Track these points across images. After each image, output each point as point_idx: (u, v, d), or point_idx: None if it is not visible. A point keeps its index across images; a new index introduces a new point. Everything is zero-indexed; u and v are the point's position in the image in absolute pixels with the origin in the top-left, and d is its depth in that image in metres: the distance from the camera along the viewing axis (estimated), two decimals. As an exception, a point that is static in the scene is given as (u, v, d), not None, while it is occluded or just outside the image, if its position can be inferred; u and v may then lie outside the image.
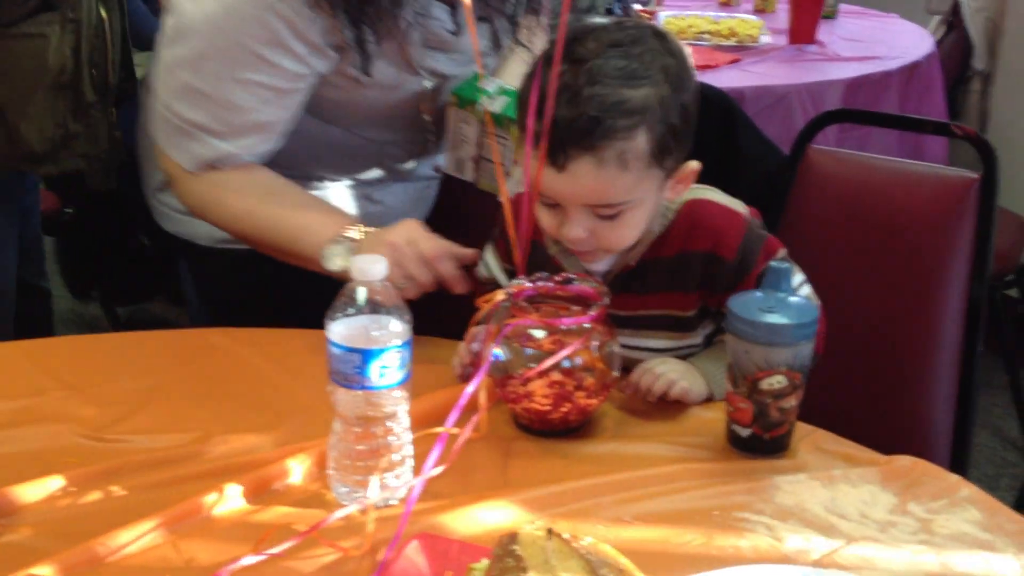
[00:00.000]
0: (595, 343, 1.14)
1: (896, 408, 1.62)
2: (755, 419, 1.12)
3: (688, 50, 1.22)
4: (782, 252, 1.25)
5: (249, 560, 0.96)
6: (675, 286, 1.25)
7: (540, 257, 1.27)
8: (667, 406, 1.21)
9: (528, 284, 1.17)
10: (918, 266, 1.61)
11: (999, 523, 1.02)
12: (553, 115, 1.11)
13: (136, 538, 1.00)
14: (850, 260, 1.65)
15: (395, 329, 1.02)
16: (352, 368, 1.01)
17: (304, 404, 1.22)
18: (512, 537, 0.88)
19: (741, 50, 2.77)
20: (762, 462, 1.12)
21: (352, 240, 1.35)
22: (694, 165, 1.23)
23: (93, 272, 3.04)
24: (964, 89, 3.42)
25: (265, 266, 1.47)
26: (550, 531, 0.86)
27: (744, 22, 2.91)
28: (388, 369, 1.02)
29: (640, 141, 1.13)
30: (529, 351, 1.14)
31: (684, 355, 1.26)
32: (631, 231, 1.20)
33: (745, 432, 1.13)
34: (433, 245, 1.31)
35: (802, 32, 2.86)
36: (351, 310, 1.02)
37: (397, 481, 1.06)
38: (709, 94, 2.07)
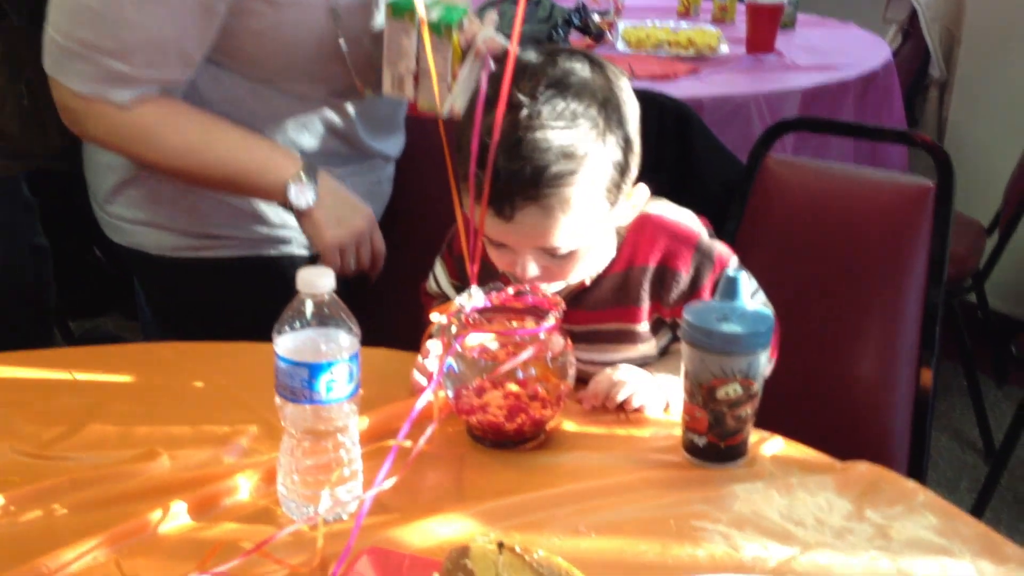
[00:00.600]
0: (550, 354, 1.13)
1: (854, 413, 1.62)
2: (711, 428, 1.10)
3: (625, 79, 1.20)
4: (734, 261, 1.25)
5: (194, 579, 0.93)
6: (627, 300, 1.24)
7: (492, 272, 1.26)
8: (623, 415, 1.20)
9: (482, 296, 1.15)
10: (875, 272, 1.61)
11: (955, 528, 1.01)
12: (495, 166, 1.08)
13: (78, 557, 0.98)
14: (807, 268, 1.65)
15: (343, 342, 1.01)
16: (299, 382, 0.99)
17: (254, 418, 1.20)
18: (463, 551, 0.86)
19: (700, 60, 2.78)
20: (719, 471, 1.11)
21: (314, 181, 1.39)
22: (643, 190, 1.21)
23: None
24: (922, 97, 3.45)
25: (216, 276, 1.45)
26: (501, 544, 0.85)
27: (703, 32, 2.91)
28: (336, 383, 1.00)
29: (585, 184, 1.12)
30: (483, 362, 1.13)
31: (639, 365, 1.25)
32: (586, 264, 1.20)
33: (701, 441, 1.12)
34: (381, 244, 1.33)
35: (760, 42, 2.86)
36: (298, 323, 1.00)
37: (347, 496, 1.04)
38: (667, 104, 2.07)
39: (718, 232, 1.34)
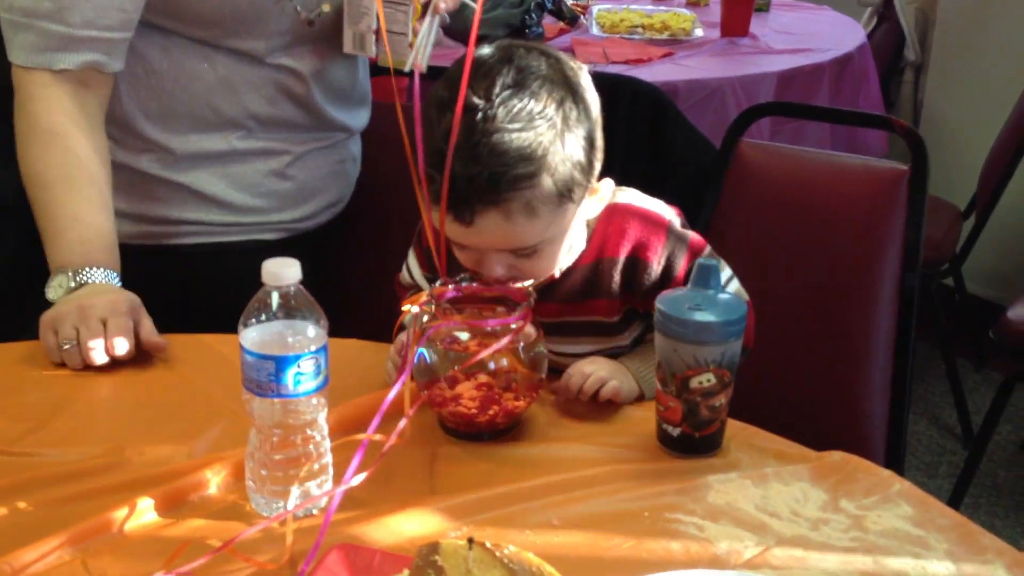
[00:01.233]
0: (521, 344, 1.12)
1: (831, 400, 1.61)
2: (685, 418, 1.09)
3: (585, 74, 1.16)
4: (707, 250, 1.23)
5: (159, 578, 0.92)
6: (598, 292, 1.23)
7: (460, 263, 1.24)
8: (597, 407, 1.19)
9: (451, 286, 1.14)
10: (850, 258, 1.60)
11: (931, 518, 1.00)
12: (453, 171, 1.06)
13: (42, 556, 0.95)
14: (782, 253, 1.64)
15: (310, 334, 0.99)
16: (266, 376, 0.97)
17: (222, 412, 1.18)
18: (433, 547, 0.84)
19: (674, 44, 2.76)
20: (693, 462, 1.10)
21: (74, 284, 1.32)
22: (608, 184, 1.19)
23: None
24: (897, 80, 3.45)
25: (180, 264, 1.43)
26: (471, 540, 0.83)
27: (677, 15, 2.90)
28: (304, 376, 0.98)
29: (546, 186, 1.08)
30: (454, 354, 1.11)
31: (612, 355, 1.24)
32: (552, 261, 1.17)
33: (675, 431, 1.11)
34: (119, 326, 1.27)
35: (734, 25, 2.85)
36: (264, 315, 0.98)
37: (317, 490, 1.03)
38: (640, 89, 2.07)
39: (692, 218, 1.33)
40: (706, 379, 1.08)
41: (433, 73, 1.46)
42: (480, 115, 1.07)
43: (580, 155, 1.11)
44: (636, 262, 1.20)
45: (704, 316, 1.06)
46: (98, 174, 1.40)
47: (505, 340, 1.09)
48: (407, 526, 0.99)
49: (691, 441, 1.10)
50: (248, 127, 1.55)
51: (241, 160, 1.56)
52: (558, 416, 1.18)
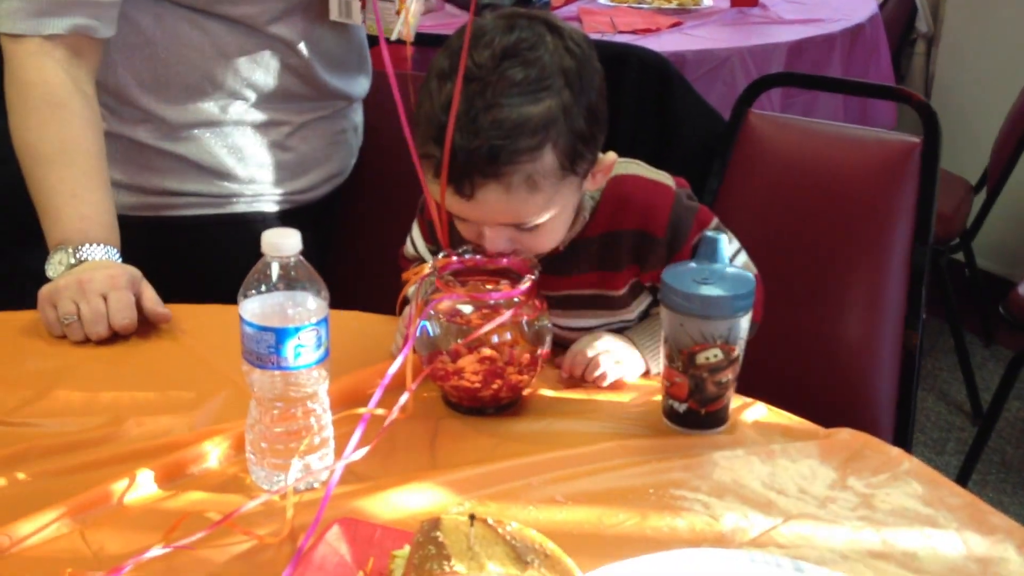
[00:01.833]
0: (525, 317, 1.10)
1: (839, 375, 1.60)
2: (691, 394, 1.08)
3: (588, 45, 1.13)
4: (714, 222, 1.21)
5: (158, 551, 0.90)
6: (603, 265, 1.21)
7: (461, 239, 1.23)
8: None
9: (454, 258, 1.12)
10: (860, 231, 1.58)
11: (941, 497, 0.99)
12: (453, 143, 1.03)
13: (41, 528, 0.94)
14: (791, 226, 1.62)
15: (311, 306, 0.97)
16: (266, 348, 0.96)
17: (224, 383, 1.17)
18: (434, 523, 0.83)
19: (682, 13, 2.73)
20: (699, 438, 1.09)
21: (74, 261, 1.31)
22: (611, 157, 1.16)
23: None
24: (908, 52, 3.42)
25: (182, 235, 1.41)
26: (473, 517, 0.82)
27: (686, -15, 2.86)
28: (304, 348, 0.97)
29: (547, 159, 1.06)
30: (457, 327, 1.10)
31: (618, 330, 1.22)
32: (554, 236, 1.15)
33: (681, 407, 1.09)
34: (119, 300, 1.26)
35: (745, -6, 2.82)
36: (264, 287, 0.97)
37: (318, 464, 1.01)
38: (647, 59, 2.04)
39: (700, 190, 1.31)
40: (713, 354, 1.06)
41: (435, 41, 1.44)
42: (481, 86, 1.04)
43: (583, 127, 1.08)
44: (641, 234, 1.18)
45: (711, 290, 1.05)
46: (94, 146, 1.38)
47: (508, 314, 1.08)
48: (409, 501, 0.98)
49: (697, 417, 1.09)
50: (246, 97, 1.53)
51: (240, 131, 1.55)
52: (562, 390, 1.17)
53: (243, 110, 1.54)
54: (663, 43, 2.42)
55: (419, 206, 1.28)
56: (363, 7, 1.49)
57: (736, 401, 1.12)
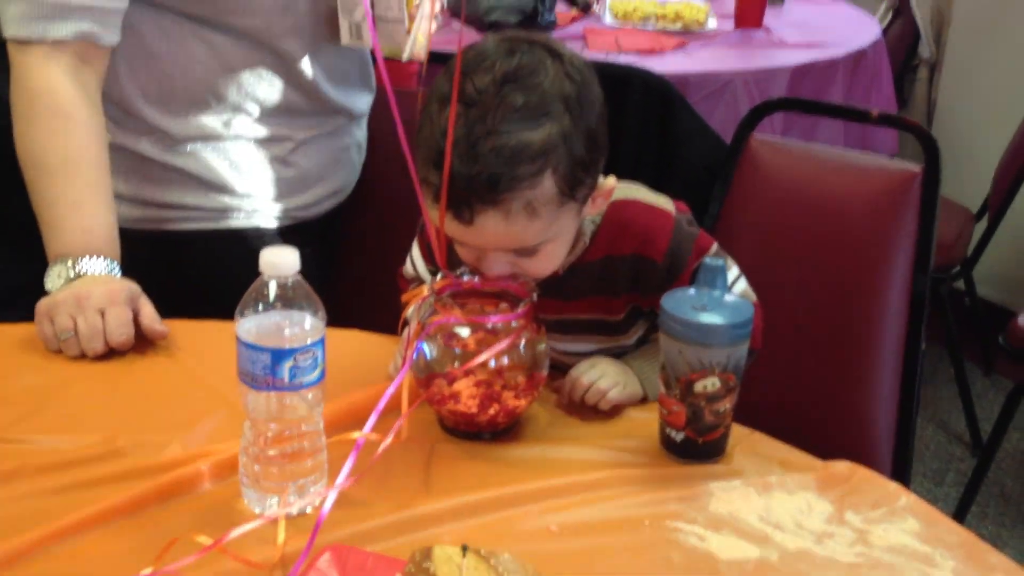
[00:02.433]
0: (523, 341, 1.09)
1: (838, 403, 1.59)
2: (689, 422, 1.07)
3: (589, 70, 1.12)
4: (714, 248, 1.21)
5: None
6: (602, 290, 1.20)
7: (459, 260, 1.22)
8: (599, 409, 1.16)
9: (452, 280, 1.11)
10: (860, 258, 1.58)
11: (938, 534, 0.98)
12: (452, 169, 1.03)
13: (28, 548, 0.93)
14: (791, 252, 1.61)
15: (307, 326, 0.96)
16: (261, 368, 0.95)
17: (220, 402, 1.16)
18: (426, 553, 0.83)
19: (687, 34, 2.73)
20: (696, 468, 1.08)
21: (73, 274, 1.30)
22: (611, 182, 1.16)
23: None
24: (911, 77, 3.41)
25: (181, 250, 1.40)
26: (465, 547, 0.81)
27: (690, 6, 2.86)
28: (300, 369, 0.96)
29: (547, 185, 1.05)
30: (454, 350, 1.09)
31: (616, 355, 1.21)
32: (554, 260, 1.14)
33: (679, 436, 1.08)
34: (117, 316, 1.25)
35: (748, 17, 2.82)
36: (261, 306, 0.96)
37: (312, 488, 1.00)
38: (649, 81, 2.03)
39: (701, 214, 1.30)
40: (711, 383, 1.05)
41: (442, 59, 1.44)
42: (481, 111, 1.04)
43: (583, 153, 1.07)
44: (641, 259, 1.18)
45: (710, 318, 1.04)
46: (98, 158, 1.37)
47: (506, 341, 1.07)
48: (402, 528, 0.97)
49: (694, 446, 1.08)
50: (249, 111, 1.53)
51: (242, 145, 1.54)
52: (559, 415, 1.16)
53: (246, 124, 1.53)
54: (667, 64, 2.42)
55: (419, 227, 1.27)
56: (373, 31, 1.49)
57: (734, 431, 1.11)
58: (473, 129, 1.03)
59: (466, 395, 1.09)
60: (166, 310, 1.32)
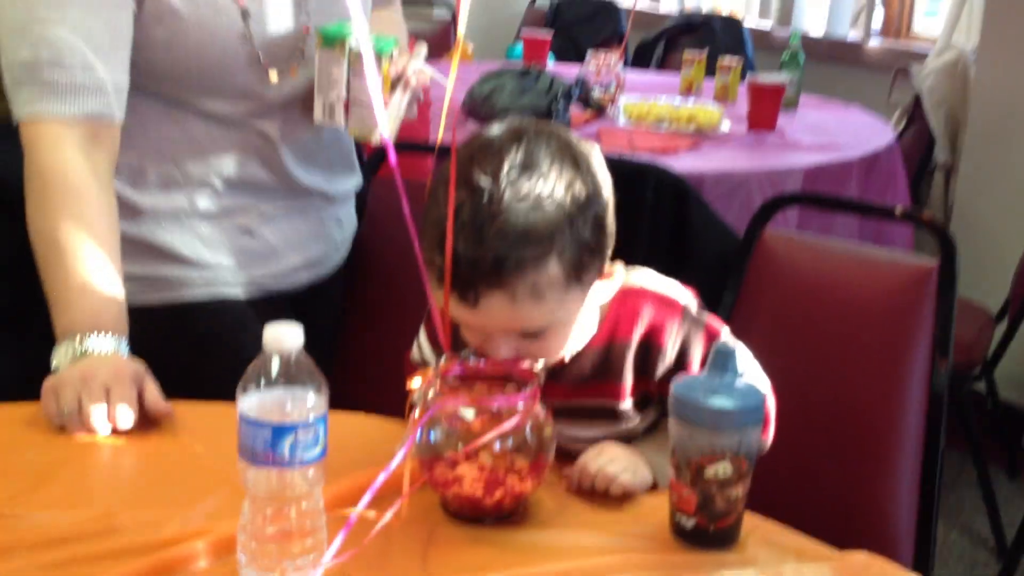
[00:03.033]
0: (529, 424, 1.07)
1: (855, 501, 1.55)
2: (700, 508, 1.04)
3: (597, 155, 1.13)
4: (725, 332, 1.20)
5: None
6: (608, 376, 1.19)
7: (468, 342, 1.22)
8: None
9: (457, 362, 1.10)
10: (877, 354, 1.56)
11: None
12: (457, 252, 1.04)
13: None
14: (806, 347, 1.60)
15: (310, 403, 0.95)
16: (262, 444, 0.94)
17: (220, 482, 1.13)
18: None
19: (700, 136, 2.76)
20: (708, 555, 1.05)
21: (80, 351, 1.29)
22: (619, 268, 1.16)
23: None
24: (927, 181, 3.43)
25: (147, 324, 1.39)
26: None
27: (704, 109, 2.90)
28: (301, 445, 0.94)
29: (552, 269, 1.06)
30: (459, 433, 1.07)
31: (625, 440, 1.19)
32: (560, 344, 1.14)
33: (690, 523, 1.05)
34: (122, 395, 1.24)
35: (762, 119, 2.85)
36: (263, 381, 0.95)
37: (310, 568, 0.98)
38: (663, 176, 2.04)
39: (714, 307, 1.29)
40: (722, 468, 1.03)
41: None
42: (487, 196, 1.05)
43: (589, 238, 1.08)
44: (649, 346, 1.17)
45: (721, 402, 1.02)
46: (110, 236, 1.38)
47: (511, 423, 1.05)
48: (400, 610, 0.94)
49: (706, 534, 1.05)
50: (214, 187, 1.54)
51: (204, 218, 1.55)
52: (566, 501, 1.13)
53: (210, 199, 1.54)
54: (681, 164, 2.43)
55: (425, 313, 1.27)
56: (346, 112, 1.52)
57: (747, 519, 1.08)
58: (479, 213, 1.04)
59: (470, 478, 1.07)
60: (167, 388, 1.31)
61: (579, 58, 3.29)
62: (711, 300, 1.28)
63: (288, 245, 1.62)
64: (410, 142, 1.71)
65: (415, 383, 1.09)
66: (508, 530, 1.08)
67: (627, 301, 1.18)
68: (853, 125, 3.04)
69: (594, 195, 1.09)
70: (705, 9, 4.58)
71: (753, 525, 1.09)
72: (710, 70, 3.34)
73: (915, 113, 3.42)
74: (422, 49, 1.57)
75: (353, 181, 1.72)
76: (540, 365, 1.12)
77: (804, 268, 1.64)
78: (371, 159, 1.83)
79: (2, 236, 1.51)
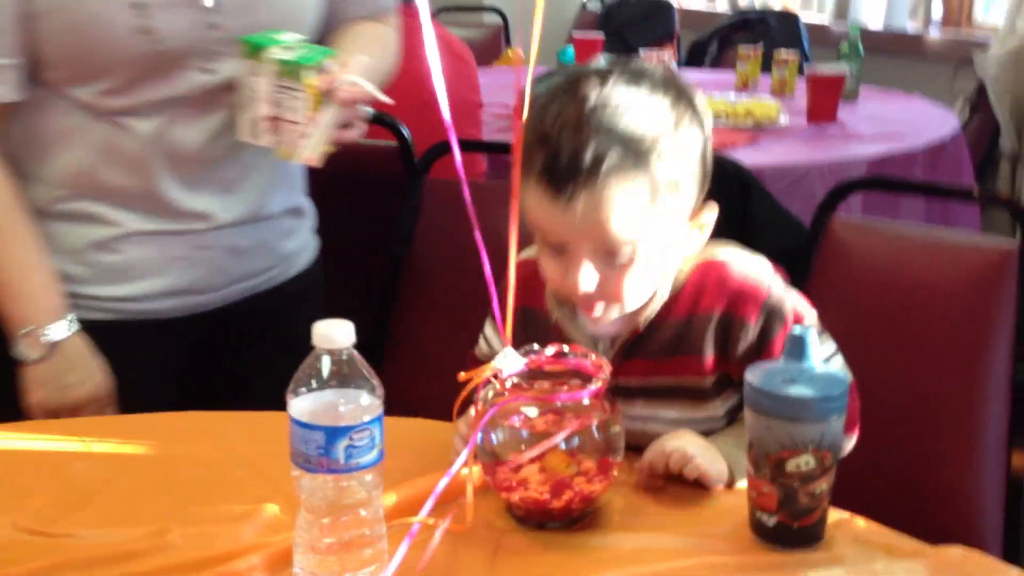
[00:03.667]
0: (596, 422, 1.01)
1: (938, 496, 1.48)
2: (781, 506, 0.98)
3: (701, 95, 1.13)
4: (812, 316, 1.14)
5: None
6: (688, 350, 1.13)
7: (541, 326, 1.17)
8: (682, 492, 1.07)
9: (518, 358, 1.04)
10: (956, 341, 1.49)
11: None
12: (558, 147, 1.03)
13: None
14: (881, 336, 1.53)
15: (364, 403, 0.90)
16: (315, 448, 0.89)
17: (273, 494, 1.08)
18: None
19: (759, 130, 2.69)
20: (792, 555, 0.98)
21: (49, 341, 1.32)
22: (712, 212, 1.13)
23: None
24: (993, 171, 3.33)
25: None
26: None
27: (761, 103, 2.82)
28: (357, 449, 0.89)
29: (652, 174, 1.05)
30: (522, 432, 1.01)
31: (703, 430, 1.13)
32: (643, 280, 1.10)
33: (771, 521, 0.99)
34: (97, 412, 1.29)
35: (822, 110, 2.77)
36: (314, 383, 0.90)
37: (371, 579, 0.93)
38: (725, 166, 1.98)
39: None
40: (804, 462, 0.96)
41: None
42: (593, 99, 1.05)
43: (690, 161, 1.08)
44: (731, 321, 1.12)
45: (800, 391, 0.96)
46: (24, 213, 1.37)
47: (576, 422, 0.99)
48: (467, 622, 0.89)
49: (789, 532, 0.98)
50: (79, 188, 1.41)
51: (61, 220, 1.42)
52: (637, 501, 1.07)
53: (68, 200, 1.41)
54: (740, 158, 2.35)
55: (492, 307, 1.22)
56: (272, 131, 1.35)
57: (831, 515, 1.01)
58: (582, 111, 1.04)
59: (535, 481, 1.01)
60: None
61: (631, 60, 3.22)
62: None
63: (152, 267, 1.44)
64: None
65: (474, 379, 1.03)
66: (578, 535, 1.02)
67: (711, 273, 1.14)
68: (916, 115, 2.96)
69: (698, 124, 1.09)
70: (758, 5, 4.51)
71: (839, 521, 1.03)
72: (766, 66, 3.28)
73: (979, 102, 3.33)
74: (359, 61, 1.38)
75: (249, 206, 1.49)
76: (615, 313, 1.10)
77: (876, 254, 1.57)
78: (423, 159, 1.79)
79: None
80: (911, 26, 4.04)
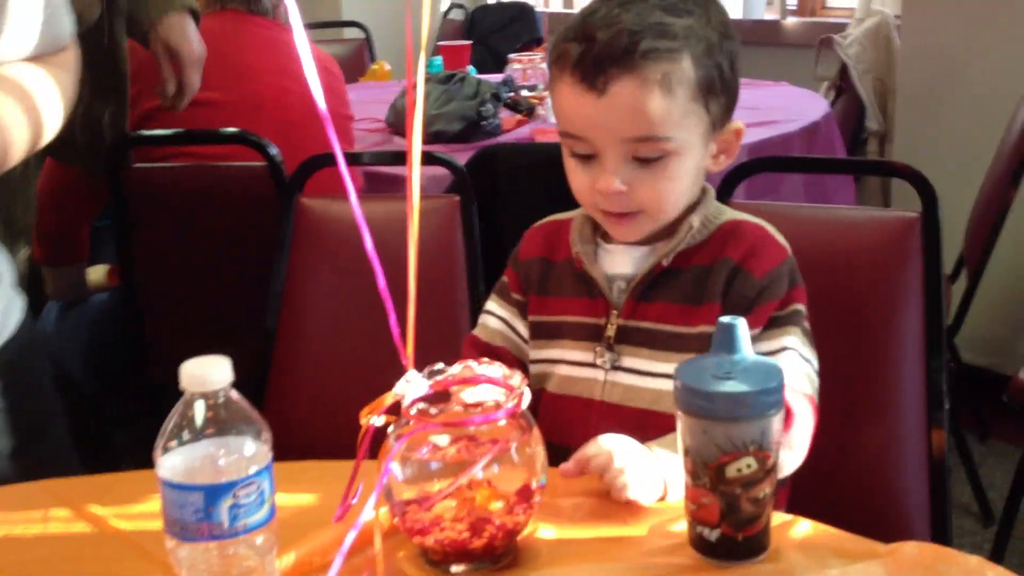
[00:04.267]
0: (514, 444, 0.90)
1: (861, 480, 1.44)
2: (724, 516, 0.88)
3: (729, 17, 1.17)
4: (801, 305, 1.14)
5: None
6: (706, 298, 1.12)
7: (559, 271, 1.19)
8: (614, 510, 0.97)
9: (422, 379, 0.92)
10: (868, 320, 1.45)
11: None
12: (593, 37, 1.06)
13: None
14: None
15: (249, 452, 0.78)
16: (192, 513, 0.76)
17: (146, 565, 0.94)
18: None
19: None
20: (738, 569, 0.89)
21: None
22: (739, 126, 1.16)
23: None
24: (861, 151, 3.36)
25: None
26: None
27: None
28: (243, 508, 0.77)
29: (684, 66, 1.07)
30: (432, 464, 0.89)
31: None
32: (672, 185, 1.11)
33: (713, 534, 0.89)
34: None
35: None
36: (186, 434, 0.77)
37: (273, 656, 0.80)
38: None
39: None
40: (746, 464, 0.87)
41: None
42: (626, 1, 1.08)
43: (721, 63, 1.10)
44: (738, 270, 1.13)
45: (736, 386, 0.86)
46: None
47: (493, 448, 0.88)
48: None
49: (733, 544, 0.89)
50: None
51: None
52: (567, 527, 0.96)
53: None
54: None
55: (512, 258, 1.23)
56: None
57: (775, 520, 0.92)
58: (613, 7, 1.08)
59: (450, 518, 0.89)
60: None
61: (499, 69, 3.20)
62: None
63: None
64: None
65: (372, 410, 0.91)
66: (504, 574, 0.91)
67: (741, 226, 1.16)
68: (785, 100, 2.98)
69: (728, 30, 1.12)
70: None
71: (780, 525, 0.94)
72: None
73: (843, 84, 3.36)
74: None
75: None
76: (644, 226, 1.12)
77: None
78: (295, 177, 1.65)
79: None
80: (769, 16, 4.08)
